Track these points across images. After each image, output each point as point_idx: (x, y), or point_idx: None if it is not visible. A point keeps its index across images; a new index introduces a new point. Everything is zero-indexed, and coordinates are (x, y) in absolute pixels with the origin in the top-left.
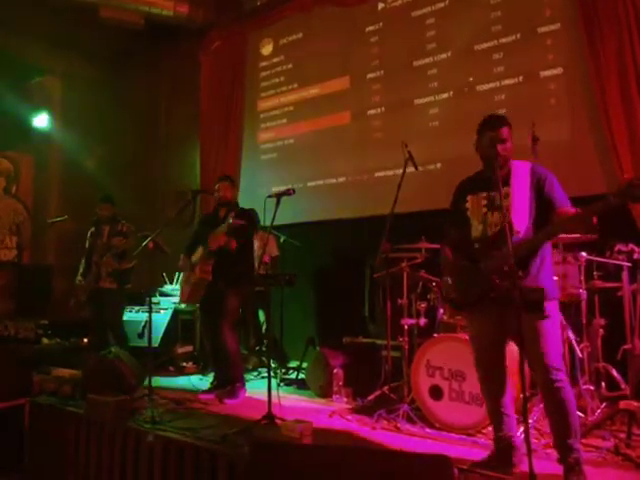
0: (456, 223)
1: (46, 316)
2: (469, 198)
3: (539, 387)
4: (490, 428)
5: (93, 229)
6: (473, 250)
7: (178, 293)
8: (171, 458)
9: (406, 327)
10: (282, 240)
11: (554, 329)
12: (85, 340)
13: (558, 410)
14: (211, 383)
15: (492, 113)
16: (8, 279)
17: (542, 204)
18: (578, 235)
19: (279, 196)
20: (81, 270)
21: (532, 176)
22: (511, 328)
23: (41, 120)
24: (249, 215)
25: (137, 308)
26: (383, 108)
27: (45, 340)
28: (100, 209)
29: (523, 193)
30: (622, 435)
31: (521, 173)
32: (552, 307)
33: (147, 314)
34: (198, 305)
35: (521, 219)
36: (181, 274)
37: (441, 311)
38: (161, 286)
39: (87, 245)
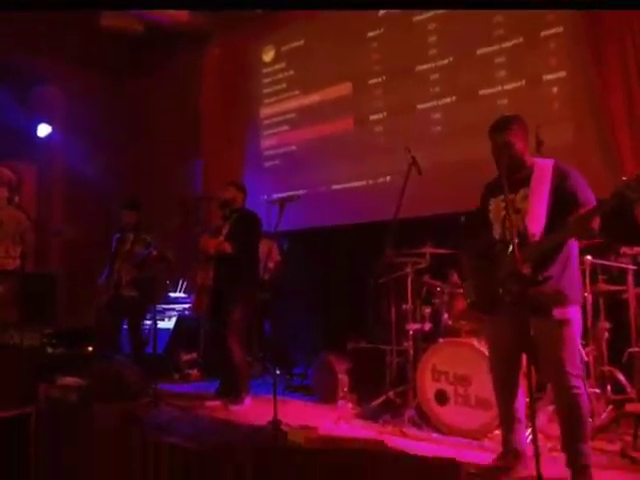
0: (480, 226)
1: (51, 325)
2: (491, 201)
3: (554, 393)
4: (497, 432)
5: (118, 235)
6: (494, 253)
7: (182, 300)
8: (177, 464)
9: (411, 332)
10: (285, 246)
11: (573, 334)
12: (90, 348)
13: (572, 416)
14: (216, 390)
15: (500, 116)
16: (12, 288)
17: (564, 203)
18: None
19: (283, 202)
20: (105, 275)
21: (554, 175)
22: (528, 333)
23: (43, 129)
24: (249, 219)
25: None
26: (385, 113)
27: (50, 349)
28: (125, 216)
29: (542, 194)
30: (628, 438)
31: (543, 172)
32: (573, 312)
33: (152, 322)
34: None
35: (537, 222)
36: (185, 282)
37: (446, 316)
38: (165, 294)
39: (112, 250)
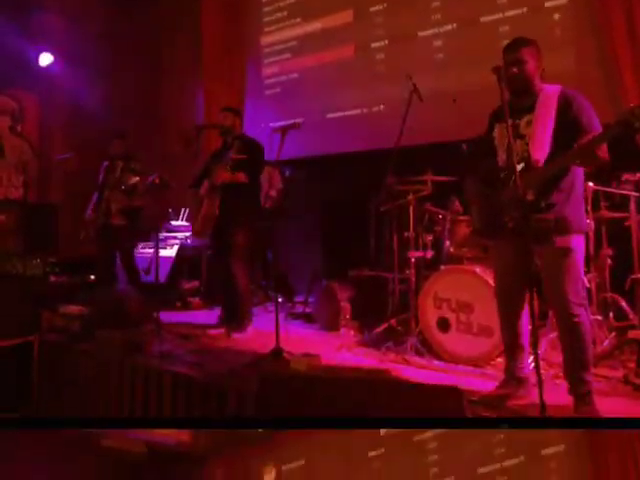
0: (485, 152)
1: (53, 254)
2: (496, 126)
3: (556, 320)
4: (499, 359)
5: (107, 164)
6: (499, 179)
7: (184, 229)
8: (180, 392)
9: (413, 260)
10: (287, 174)
11: (576, 262)
12: (92, 277)
13: (574, 344)
14: (219, 318)
15: (517, 37)
16: (15, 217)
17: (568, 130)
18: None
19: (284, 129)
20: (92, 205)
21: (560, 100)
22: (531, 260)
23: (44, 58)
24: (253, 147)
25: (143, 244)
26: (387, 41)
27: (52, 277)
28: (112, 145)
29: (547, 120)
30: (631, 365)
31: (548, 98)
32: (577, 240)
33: (153, 250)
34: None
35: (541, 148)
36: (187, 211)
37: (447, 243)
38: (167, 222)
39: (100, 179)
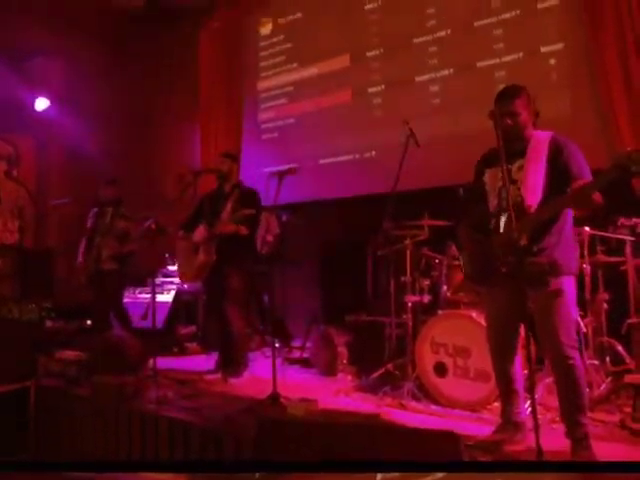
0: (475, 198)
1: (49, 299)
2: (487, 172)
3: (550, 364)
4: (496, 404)
5: (96, 210)
6: (490, 225)
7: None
8: (177, 438)
9: (410, 304)
10: (283, 219)
11: (568, 305)
12: (89, 322)
13: (569, 387)
14: (215, 363)
15: (509, 85)
16: (11, 262)
17: (559, 175)
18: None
19: (281, 175)
20: (82, 251)
21: (551, 146)
22: (525, 304)
23: (41, 103)
24: (252, 198)
25: (140, 289)
26: (383, 86)
27: (49, 322)
28: (102, 191)
29: (538, 165)
30: (628, 409)
31: (539, 144)
32: (567, 282)
33: (150, 295)
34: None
35: (534, 193)
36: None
37: (444, 288)
38: (164, 267)
39: (89, 225)
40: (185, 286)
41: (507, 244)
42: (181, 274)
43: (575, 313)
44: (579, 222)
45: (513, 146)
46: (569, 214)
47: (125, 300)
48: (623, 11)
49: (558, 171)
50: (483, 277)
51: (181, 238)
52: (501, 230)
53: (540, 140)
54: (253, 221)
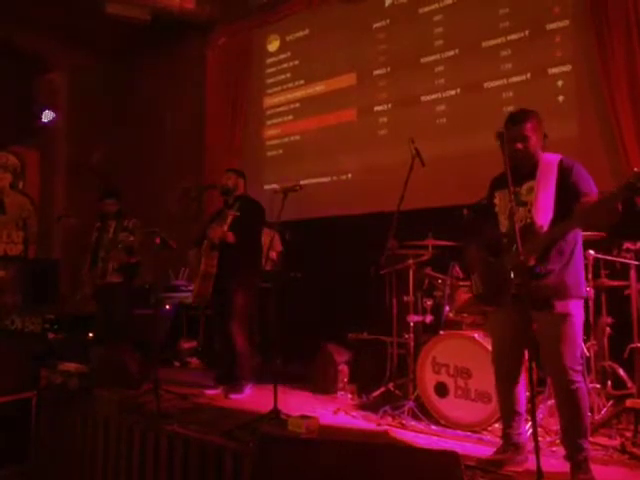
0: (487, 219)
1: (52, 310)
2: (497, 194)
3: (553, 387)
4: (496, 425)
5: (99, 224)
6: (501, 246)
7: (184, 288)
8: (177, 453)
9: (412, 324)
10: (287, 236)
11: (574, 328)
12: (91, 334)
13: (571, 410)
14: (216, 378)
15: (519, 108)
16: (15, 273)
17: (568, 196)
18: (587, 232)
19: (286, 192)
20: (87, 265)
21: (559, 168)
22: (530, 326)
23: (47, 115)
24: (252, 207)
25: (143, 303)
26: (390, 105)
27: (51, 334)
28: (105, 204)
29: (548, 187)
30: (628, 434)
31: (548, 166)
32: (574, 306)
33: (153, 309)
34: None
35: (544, 214)
36: (187, 270)
37: (447, 308)
38: (167, 281)
39: (93, 239)
40: (187, 300)
41: (515, 265)
42: (193, 293)
43: (581, 337)
44: (584, 245)
45: (523, 169)
46: (579, 238)
47: (128, 313)
48: (633, 33)
49: (567, 191)
50: (494, 298)
51: (193, 254)
52: (511, 251)
53: (549, 162)
54: (251, 229)
